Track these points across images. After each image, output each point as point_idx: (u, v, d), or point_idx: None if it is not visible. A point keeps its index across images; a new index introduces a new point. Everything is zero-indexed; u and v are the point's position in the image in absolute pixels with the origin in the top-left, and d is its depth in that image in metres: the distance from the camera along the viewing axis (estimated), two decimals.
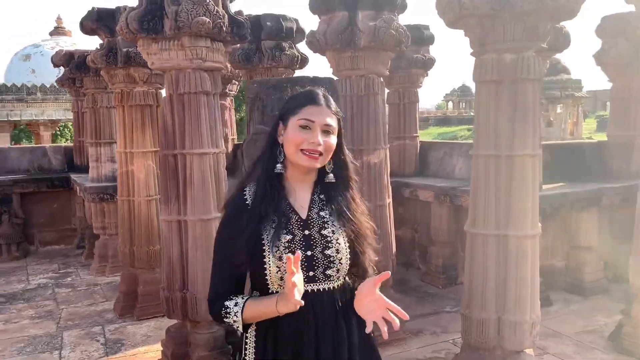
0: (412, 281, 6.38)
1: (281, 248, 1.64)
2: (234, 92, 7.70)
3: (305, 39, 4.62)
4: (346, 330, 1.71)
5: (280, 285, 1.66)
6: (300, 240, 1.67)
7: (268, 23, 5.52)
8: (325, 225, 1.72)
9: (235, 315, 1.67)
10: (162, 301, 3.86)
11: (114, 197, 5.93)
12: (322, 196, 1.76)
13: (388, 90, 6.89)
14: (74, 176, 7.90)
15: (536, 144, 3.16)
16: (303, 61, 5.86)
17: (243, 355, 1.76)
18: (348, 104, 4.40)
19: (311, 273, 1.67)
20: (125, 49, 4.94)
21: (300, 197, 1.74)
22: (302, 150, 1.65)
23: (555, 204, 5.28)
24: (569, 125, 23.40)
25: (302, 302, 1.55)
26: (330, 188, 1.76)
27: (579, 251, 5.84)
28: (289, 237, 1.66)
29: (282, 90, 2.42)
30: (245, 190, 1.74)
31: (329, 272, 1.69)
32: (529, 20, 2.96)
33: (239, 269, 1.71)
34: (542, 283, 5.44)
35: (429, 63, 6.43)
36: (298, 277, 1.54)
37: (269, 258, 1.64)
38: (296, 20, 5.77)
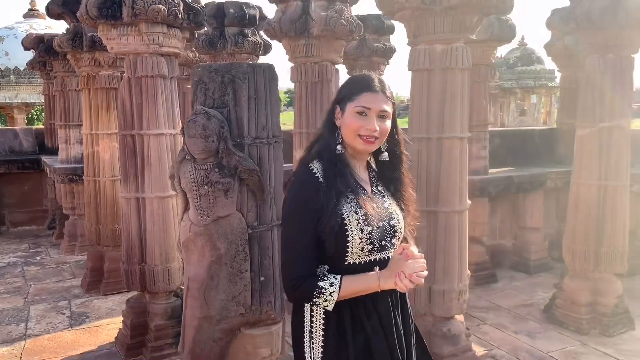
0: None
1: (361, 221, 1.72)
2: None
3: (264, 26, 4.83)
4: (400, 294, 1.87)
5: (360, 256, 1.75)
6: (372, 213, 1.76)
7: (231, 10, 5.70)
8: (385, 198, 1.84)
9: (330, 295, 1.69)
10: (122, 274, 4.09)
11: (83, 178, 6.10)
12: (373, 173, 1.89)
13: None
14: (44, 158, 8.03)
15: (464, 128, 3.44)
16: (266, 47, 6.07)
17: (305, 334, 1.83)
18: (303, 90, 4.65)
19: (383, 242, 1.77)
20: (90, 34, 5.10)
21: (361, 172, 1.85)
22: (359, 135, 1.74)
23: (501, 186, 5.61)
24: (542, 114, 23.98)
25: (412, 287, 1.68)
26: (384, 164, 1.87)
27: (526, 231, 6.20)
28: (364, 210, 1.74)
29: (223, 74, 2.63)
30: (311, 166, 1.79)
31: (394, 240, 1.81)
32: (456, 14, 3.22)
33: (317, 243, 1.73)
34: (490, 261, 5.86)
35: (388, 52, 6.67)
36: (412, 265, 1.68)
37: (352, 231, 1.71)
38: (259, 8, 5.96)
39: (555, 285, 4.85)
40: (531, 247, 6.13)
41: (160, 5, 3.62)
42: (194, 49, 6.40)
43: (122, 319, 4.27)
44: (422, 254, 1.74)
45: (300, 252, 1.74)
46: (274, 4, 4.82)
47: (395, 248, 1.80)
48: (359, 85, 1.78)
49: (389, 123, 1.79)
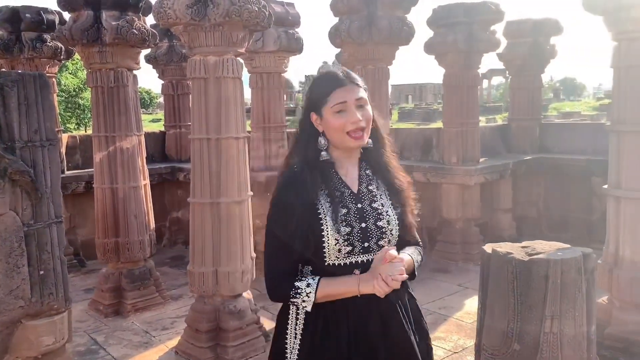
0: (187, 257, 6.99)
1: (339, 221, 1.69)
2: None
3: (54, 33, 4.92)
4: (393, 298, 1.75)
5: (338, 257, 1.71)
6: (354, 213, 1.73)
7: (27, 15, 5.65)
8: (375, 198, 1.79)
9: (307, 295, 1.67)
10: None
11: None
12: (368, 172, 1.84)
13: (163, 82, 7.41)
14: None
15: (239, 129, 3.94)
16: (69, 52, 6.09)
17: (288, 331, 1.81)
18: (100, 95, 4.83)
19: (366, 244, 1.73)
20: None
21: (350, 172, 1.81)
22: (347, 133, 1.71)
23: None
24: None
25: (389, 291, 1.63)
26: (371, 153, 1.84)
27: None
28: (344, 210, 1.71)
29: None
30: (296, 167, 1.77)
31: (381, 242, 1.76)
32: (224, 30, 3.70)
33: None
34: None
35: None
36: (389, 268, 1.63)
37: (327, 231, 1.68)
38: (59, 13, 5.96)
39: None
40: None
41: None
42: None
43: None
44: (403, 257, 1.71)
45: (280, 251, 1.73)
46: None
47: None
48: (327, 85, 1.75)
49: (369, 109, 1.77)
